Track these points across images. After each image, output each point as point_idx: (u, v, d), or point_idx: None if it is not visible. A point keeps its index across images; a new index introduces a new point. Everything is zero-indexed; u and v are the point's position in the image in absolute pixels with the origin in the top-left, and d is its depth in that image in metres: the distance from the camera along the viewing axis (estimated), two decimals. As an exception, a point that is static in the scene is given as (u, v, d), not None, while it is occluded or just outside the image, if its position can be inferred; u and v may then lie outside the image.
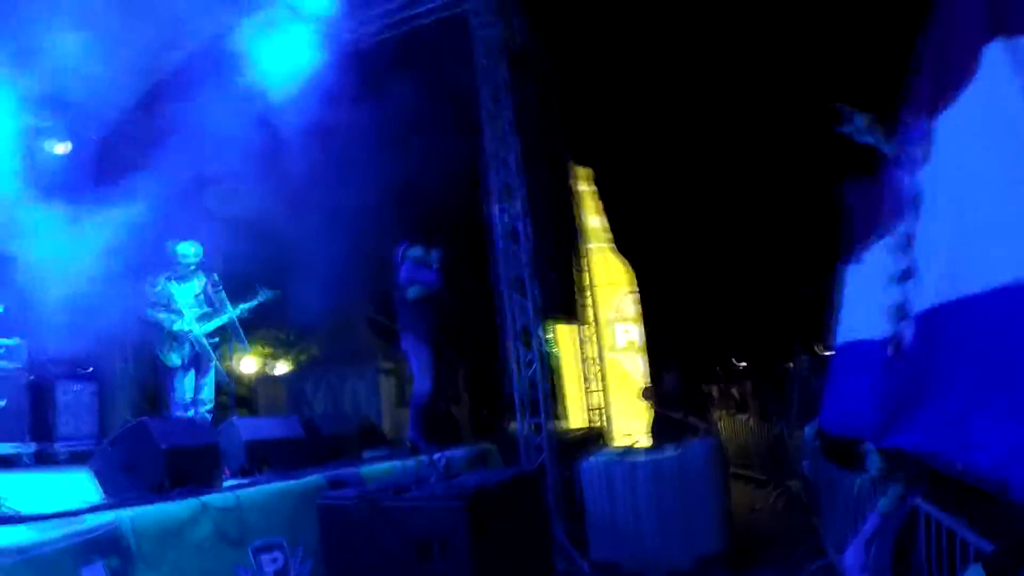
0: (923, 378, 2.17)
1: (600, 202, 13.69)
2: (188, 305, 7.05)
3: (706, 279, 22.85)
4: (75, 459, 8.17)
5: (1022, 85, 2.01)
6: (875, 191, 3.29)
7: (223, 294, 7.06)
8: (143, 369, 9.73)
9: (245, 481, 5.03)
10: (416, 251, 7.99)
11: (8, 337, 7.92)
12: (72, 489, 4.95)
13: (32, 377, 8.19)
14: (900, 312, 2.31)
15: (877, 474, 2.85)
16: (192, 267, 7.29)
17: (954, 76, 2.16)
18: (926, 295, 2.19)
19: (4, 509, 3.58)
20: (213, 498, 4.16)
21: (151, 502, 3.90)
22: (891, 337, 2.36)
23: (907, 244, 2.33)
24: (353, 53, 9.03)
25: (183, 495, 4.11)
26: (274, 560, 4.39)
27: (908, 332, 2.28)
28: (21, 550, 2.97)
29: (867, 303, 3.14)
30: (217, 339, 7.22)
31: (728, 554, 6.72)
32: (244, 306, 7.16)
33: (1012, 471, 1.87)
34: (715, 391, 15.47)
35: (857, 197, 3.68)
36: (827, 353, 6.73)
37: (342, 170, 9.22)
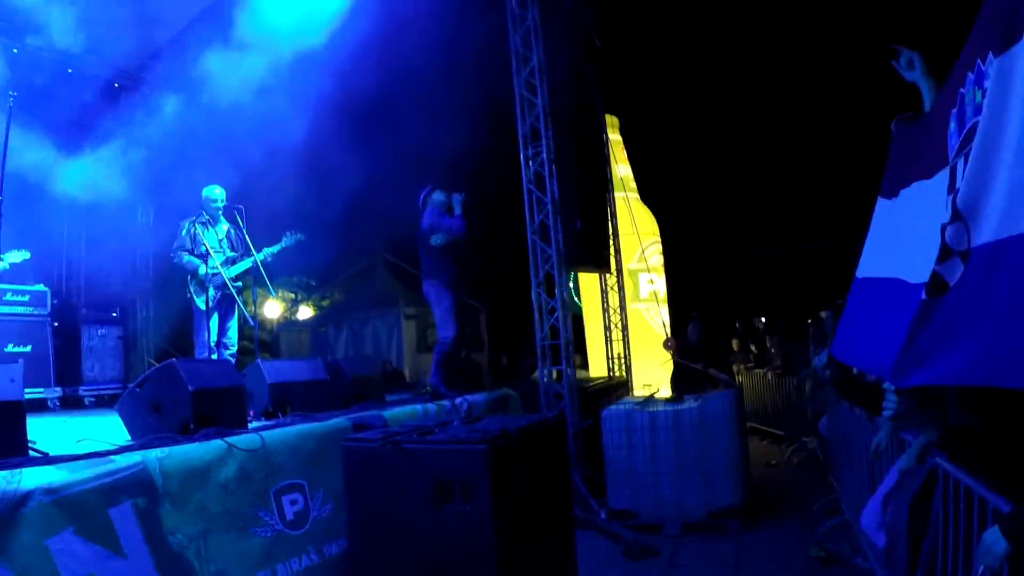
0: (970, 313, 2.17)
1: (626, 151, 13.54)
2: (214, 249, 7.07)
3: (731, 232, 22.65)
4: (100, 403, 8.35)
5: None
6: (918, 132, 3.24)
7: (248, 238, 7.06)
8: (167, 313, 9.83)
9: (270, 423, 5.07)
10: (439, 196, 7.83)
11: (33, 284, 8.03)
12: (100, 431, 5.03)
13: (57, 323, 8.31)
14: (946, 252, 2.29)
15: (892, 415, 2.83)
16: (218, 211, 7.31)
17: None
18: (985, 230, 2.18)
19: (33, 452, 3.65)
20: (239, 439, 4.19)
21: (178, 443, 3.94)
22: (931, 278, 2.33)
23: (957, 184, 2.31)
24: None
25: (209, 436, 4.14)
26: (294, 502, 4.46)
27: (955, 271, 2.27)
28: (51, 490, 3.03)
29: (901, 243, 3.09)
30: (241, 283, 7.27)
31: (744, 507, 6.77)
32: (269, 250, 7.16)
33: None
34: (734, 345, 15.42)
35: (903, 135, 3.61)
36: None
37: (367, 115, 9.16)
